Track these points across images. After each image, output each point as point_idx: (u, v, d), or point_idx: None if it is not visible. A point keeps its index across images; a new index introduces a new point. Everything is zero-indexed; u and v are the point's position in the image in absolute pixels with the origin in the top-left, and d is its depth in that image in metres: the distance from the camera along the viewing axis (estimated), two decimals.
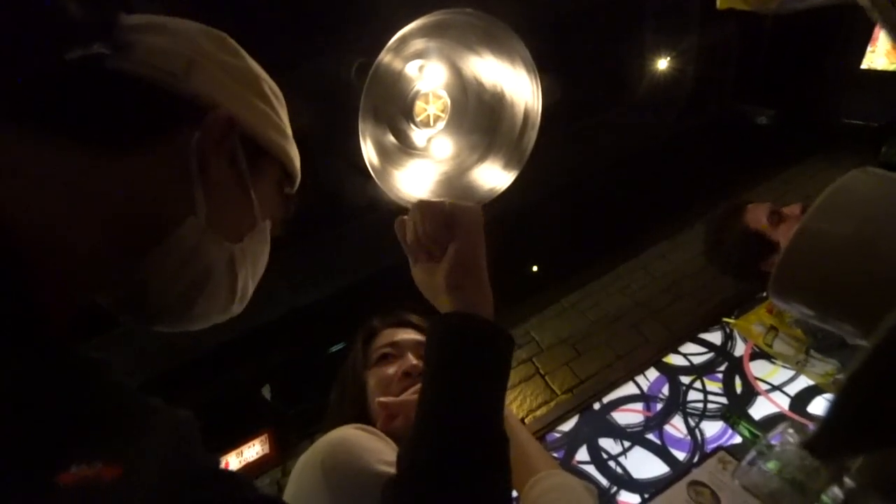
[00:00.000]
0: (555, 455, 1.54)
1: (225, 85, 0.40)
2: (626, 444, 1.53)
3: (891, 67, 2.13)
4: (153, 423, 0.33)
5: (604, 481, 1.44)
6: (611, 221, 2.21)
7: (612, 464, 1.49)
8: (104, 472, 0.26)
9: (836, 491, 0.48)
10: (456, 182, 1.30)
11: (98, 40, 0.34)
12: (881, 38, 2.10)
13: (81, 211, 0.33)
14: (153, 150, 0.36)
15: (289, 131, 0.48)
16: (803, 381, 1.51)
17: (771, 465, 0.80)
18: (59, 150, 0.33)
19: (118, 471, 0.27)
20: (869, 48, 2.17)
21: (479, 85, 1.28)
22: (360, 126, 1.08)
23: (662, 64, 2.04)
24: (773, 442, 0.82)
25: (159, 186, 0.37)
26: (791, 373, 1.54)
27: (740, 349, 1.70)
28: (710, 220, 1.23)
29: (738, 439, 1.39)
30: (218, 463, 0.40)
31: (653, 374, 1.71)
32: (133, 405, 0.33)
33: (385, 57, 1.03)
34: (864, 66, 2.20)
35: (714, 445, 1.43)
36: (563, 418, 1.63)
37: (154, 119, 0.37)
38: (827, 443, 0.30)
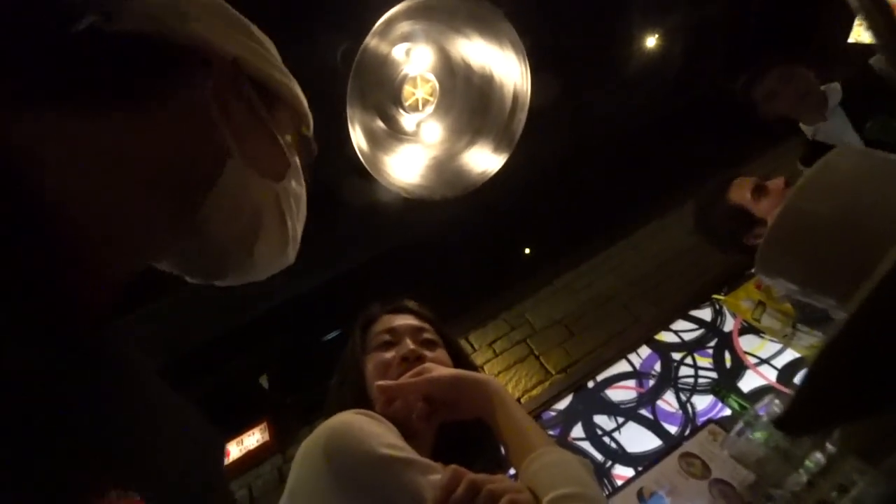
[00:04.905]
0: (551, 433, 1.57)
1: (222, 30, 0.41)
2: (620, 419, 1.57)
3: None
4: (180, 436, 0.34)
5: (599, 456, 1.48)
6: (601, 202, 2.22)
7: (606, 439, 1.53)
8: None
9: (818, 456, 0.50)
10: (446, 166, 1.29)
11: (95, 9, 0.34)
12: None
13: (122, 177, 0.34)
14: (174, 103, 0.37)
15: (290, 74, 0.48)
16: (790, 354, 1.55)
17: (758, 435, 0.83)
18: (86, 122, 0.33)
19: None
20: (856, 21, 2.17)
21: (468, 67, 1.27)
22: (348, 112, 1.07)
23: (651, 42, 2.02)
24: (759, 413, 0.85)
25: (191, 138, 0.38)
26: (778, 346, 1.58)
27: (730, 325, 1.73)
28: (700, 194, 1.26)
29: (727, 412, 1.43)
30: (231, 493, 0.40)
31: (645, 351, 1.75)
32: (165, 414, 0.33)
33: (371, 41, 1.01)
34: (851, 39, 2.20)
35: (705, 418, 1.47)
36: (557, 397, 1.66)
37: (165, 70, 0.38)
38: (797, 419, 0.31)
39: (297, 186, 0.47)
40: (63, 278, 0.29)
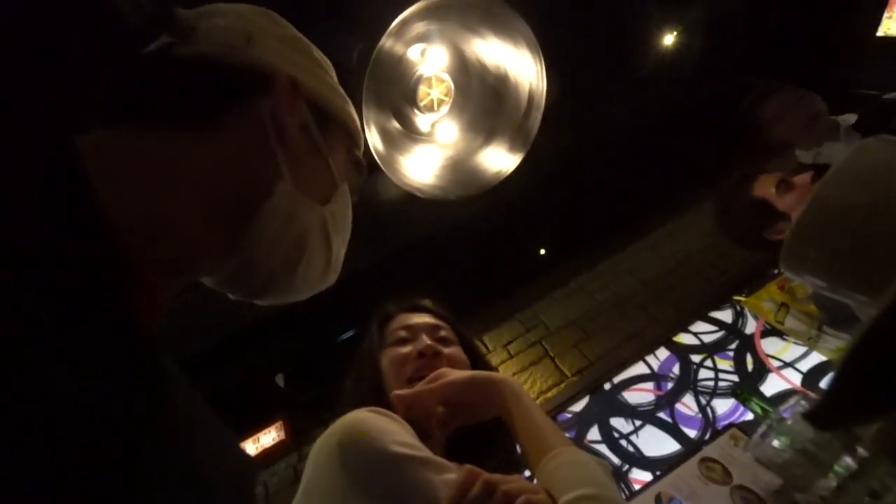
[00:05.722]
0: (566, 435, 1.55)
1: (282, 53, 0.42)
2: (638, 422, 1.54)
3: None
4: (219, 469, 0.34)
5: (616, 460, 1.45)
6: (618, 202, 2.18)
7: (623, 442, 1.50)
8: None
9: (848, 461, 0.48)
10: (461, 166, 1.29)
11: (163, 33, 0.37)
12: None
13: (182, 194, 0.35)
14: (232, 122, 0.38)
15: (345, 95, 0.49)
16: (816, 357, 1.50)
17: (783, 438, 0.80)
18: (151, 138, 0.35)
19: None
20: (885, 14, 2.10)
21: (483, 67, 1.26)
22: (364, 112, 1.07)
23: (668, 38, 1.99)
24: (784, 415, 0.82)
25: (246, 157, 0.39)
26: (803, 349, 1.54)
27: (751, 327, 1.69)
28: (722, 188, 1.23)
29: (749, 416, 1.39)
30: None
31: (663, 353, 1.71)
32: (204, 446, 0.34)
33: (386, 42, 1.02)
34: (879, 32, 2.13)
35: (726, 422, 1.44)
36: (573, 399, 1.64)
37: (226, 91, 0.39)
38: (829, 412, 0.30)
39: (344, 208, 0.48)
40: (126, 302, 0.28)
